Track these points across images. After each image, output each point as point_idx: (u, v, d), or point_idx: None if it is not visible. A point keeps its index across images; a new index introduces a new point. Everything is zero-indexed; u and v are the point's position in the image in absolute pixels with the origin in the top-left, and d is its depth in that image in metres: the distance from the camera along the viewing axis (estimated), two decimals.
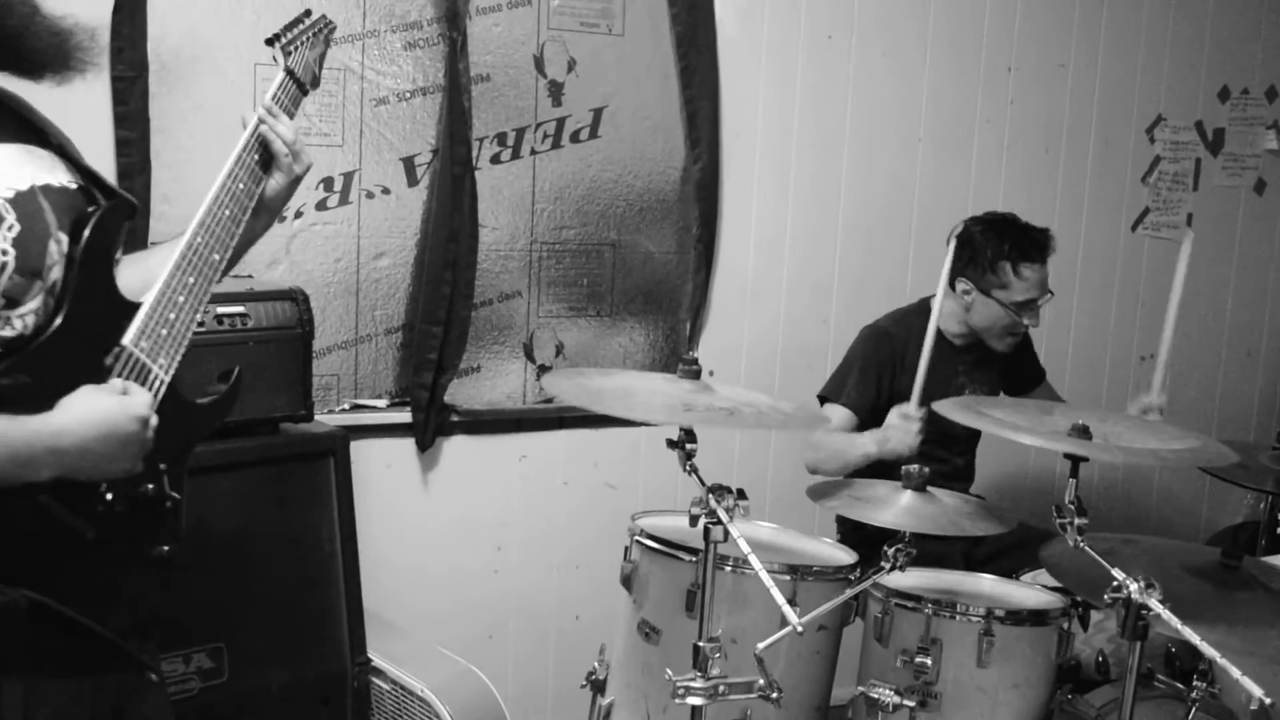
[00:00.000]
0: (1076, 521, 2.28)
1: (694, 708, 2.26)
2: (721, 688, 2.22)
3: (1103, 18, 4.43)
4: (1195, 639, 2.00)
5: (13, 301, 1.63)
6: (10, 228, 1.63)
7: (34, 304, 1.65)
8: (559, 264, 3.63)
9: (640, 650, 2.68)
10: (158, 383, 1.74)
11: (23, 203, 1.67)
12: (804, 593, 2.57)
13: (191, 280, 1.81)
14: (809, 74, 3.92)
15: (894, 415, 3.22)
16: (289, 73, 2.11)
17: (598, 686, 2.80)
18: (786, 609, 2.10)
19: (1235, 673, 1.92)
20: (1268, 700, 1.89)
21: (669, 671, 2.24)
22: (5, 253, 1.62)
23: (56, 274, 1.67)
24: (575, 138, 3.59)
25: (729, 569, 2.55)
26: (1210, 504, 4.92)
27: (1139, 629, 2.12)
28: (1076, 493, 2.30)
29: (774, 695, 2.20)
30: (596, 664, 2.81)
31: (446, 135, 3.37)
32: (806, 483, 2.85)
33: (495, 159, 3.50)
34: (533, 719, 3.69)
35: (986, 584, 2.91)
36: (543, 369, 3.65)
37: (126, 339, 1.70)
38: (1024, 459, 4.26)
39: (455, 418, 3.54)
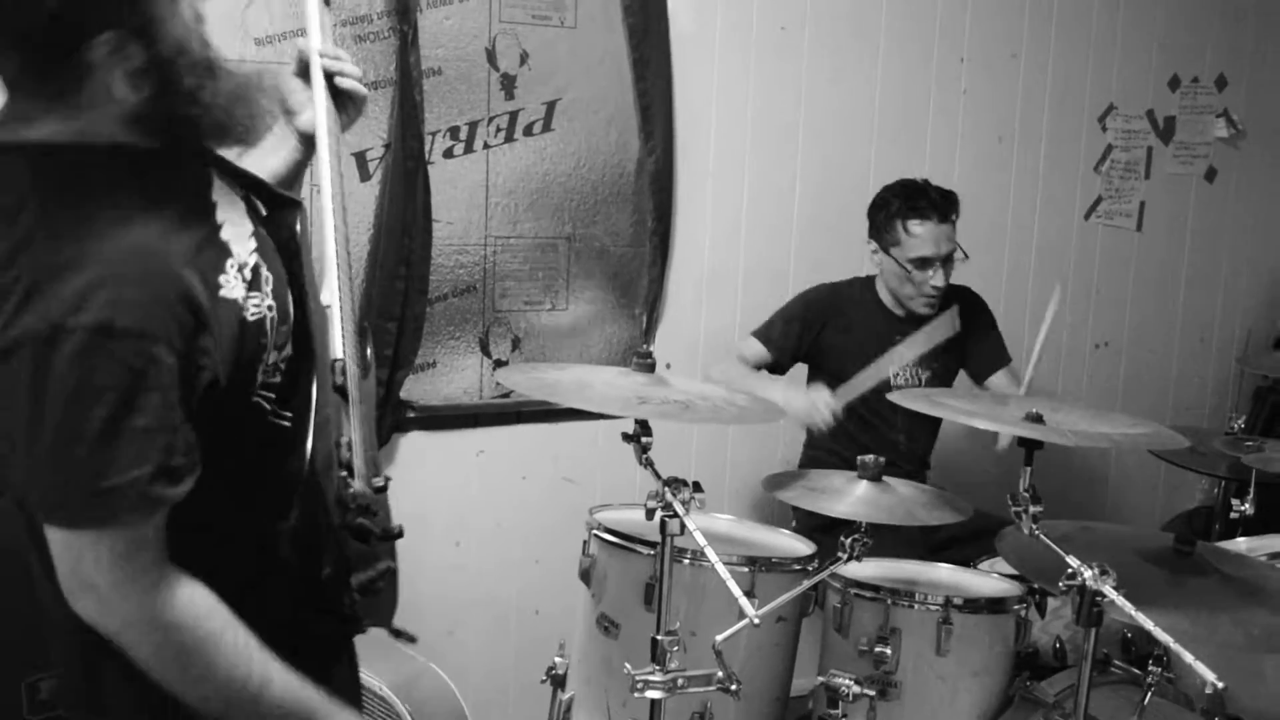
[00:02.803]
0: (1031, 509, 2.29)
1: (653, 701, 2.26)
2: (680, 680, 2.21)
3: (1054, 7, 4.45)
4: (1149, 625, 2.01)
5: (279, 348, 1.59)
6: (267, 280, 1.57)
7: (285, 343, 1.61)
8: (514, 258, 3.61)
9: (600, 644, 2.67)
10: (358, 378, 1.71)
11: (262, 247, 1.60)
12: (762, 584, 2.57)
13: (347, 254, 1.78)
14: (762, 65, 3.92)
15: (819, 395, 3.40)
16: None
17: (558, 681, 2.79)
18: (743, 601, 2.10)
19: (1189, 658, 1.94)
20: (1221, 685, 1.90)
21: (628, 665, 2.23)
22: (270, 307, 1.56)
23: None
24: (529, 131, 3.58)
25: (687, 562, 2.55)
26: (1165, 490, 4.97)
27: (1093, 615, 2.13)
28: (1031, 480, 2.31)
29: (733, 687, 2.20)
30: (556, 659, 2.80)
31: (398, 129, 3.35)
32: (764, 474, 2.85)
33: (448, 153, 3.47)
34: (493, 715, 3.68)
35: (944, 573, 2.93)
36: (499, 363, 3.63)
37: (337, 350, 1.67)
38: (979, 448, 4.29)
39: (411, 414, 3.52)
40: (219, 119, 1.53)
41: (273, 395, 1.58)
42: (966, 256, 3.62)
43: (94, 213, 1.43)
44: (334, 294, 1.71)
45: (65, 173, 1.46)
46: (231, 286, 1.51)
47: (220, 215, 1.56)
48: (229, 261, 1.52)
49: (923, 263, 3.53)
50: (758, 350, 3.65)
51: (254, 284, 1.54)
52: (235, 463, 1.55)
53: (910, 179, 3.63)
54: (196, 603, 1.48)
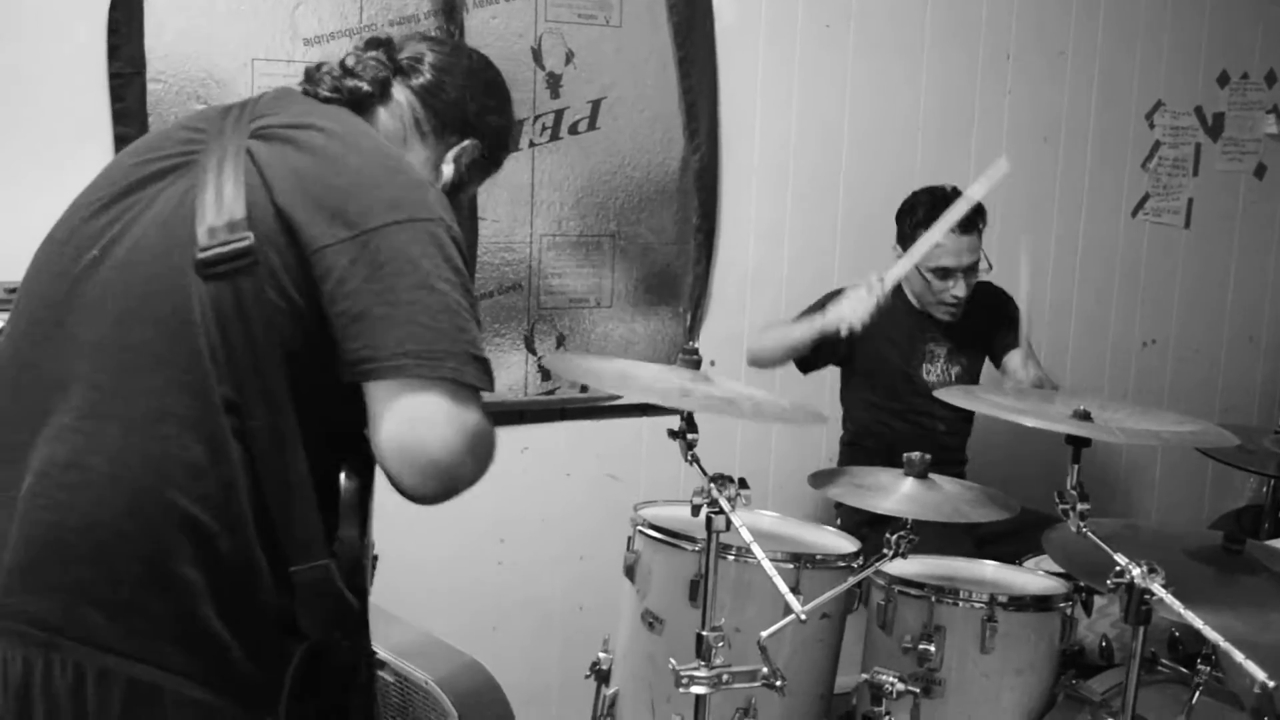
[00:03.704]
0: (1079, 507, 2.28)
1: (698, 697, 2.26)
2: (725, 676, 2.22)
3: (1100, 3, 4.43)
4: (1198, 623, 2.00)
5: None
6: None
7: None
8: (559, 255, 3.63)
9: (644, 640, 2.68)
10: None
11: None
12: (807, 581, 2.57)
13: None
14: (807, 63, 3.92)
15: (857, 289, 3.31)
16: None
17: (602, 677, 2.81)
18: (790, 597, 2.10)
19: (1238, 657, 1.92)
20: (1271, 684, 1.89)
21: (673, 661, 2.24)
22: None
23: None
24: (574, 129, 3.59)
25: (732, 558, 2.55)
26: (1213, 488, 4.93)
27: (1142, 614, 2.12)
28: (1079, 478, 2.30)
29: (778, 683, 2.20)
30: (601, 654, 2.81)
31: None
32: (808, 472, 2.85)
33: None
34: (537, 710, 3.69)
35: (989, 570, 2.92)
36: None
37: None
38: (1026, 445, 4.27)
39: None
40: None
41: None
42: (991, 267, 3.58)
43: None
44: None
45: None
46: None
47: None
48: None
49: (943, 273, 3.51)
50: None
51: None
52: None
53: (939, 186, 3.57)
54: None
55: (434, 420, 1.52)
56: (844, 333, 3.28)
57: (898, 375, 3.64)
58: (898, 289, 3.65)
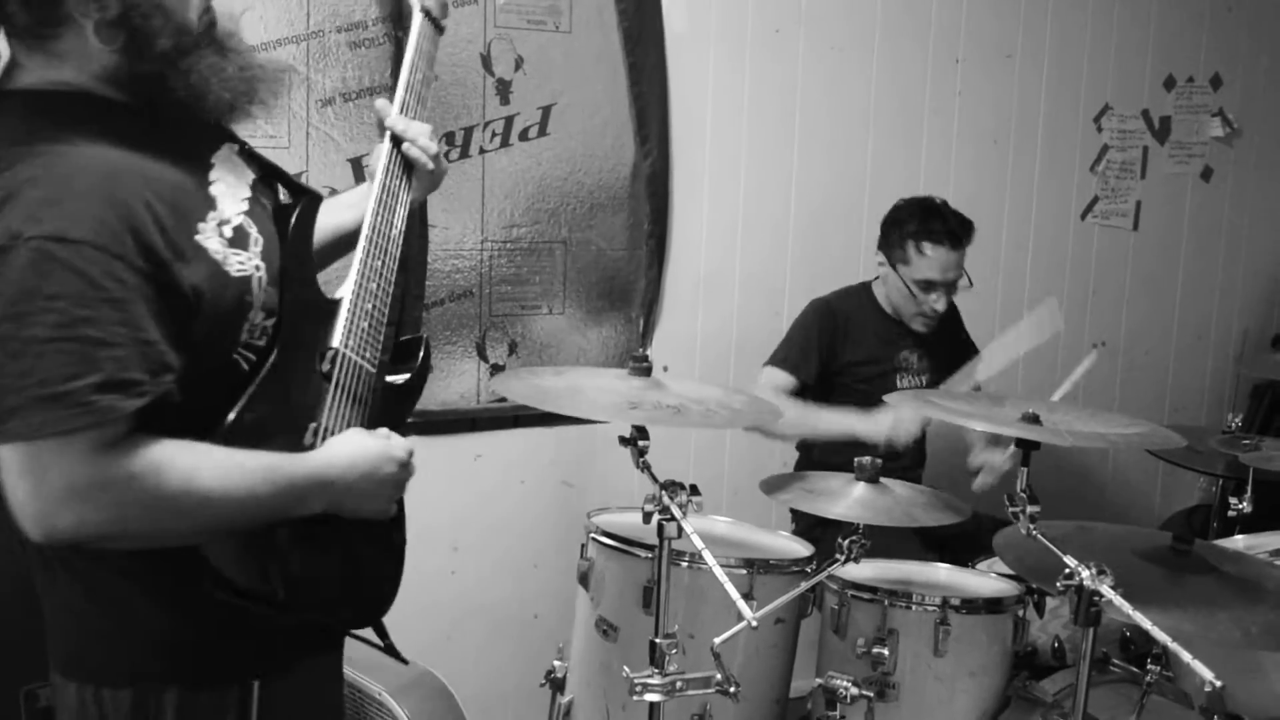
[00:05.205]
0: (1028, 509, 2.29)
1: (652, 704, 2.26)
2: (679, 683, 2.21)
3: (1049, 8, 4.46)
4: (1146, 624, 2.01)
5: (270, 313, 1.63)
6: (256, 241, 1.62)
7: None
8: (510, 262, 3.61)
9: (598, 648, 2.67)
10: (369, 378, 1.78)
11: (254, 211, 1.65)
12: (760, 586, 2.57)
13: (379, 264, 1.82)
14: (757, 67, 3.93)
15: (901, 411, 3.31)
16: (425, 12, 2.05)
17: (557, 685, 2.80)
18: (741, 604, 2.10)
19: (1186, 657, 1.93)
20: (1218, 684, 1.90)
21: (626, 669, 2.23)
22: (259, 267, 1.60)
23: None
24: (524, 136, 3.58)
25: (685, 565, 2.55)
26: (1164, 489, 4.97)
27: (1091, 615, 2.13)
28: (1028, 481, 2.31)
29: (732, 689, 2.20)
30: (555, 663, 2.80)
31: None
32: (762, 477, 2.85)
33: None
34: (492, 719, 3.68)
35: (942, 573, 2.93)
36: (496, 368, 3.63)
37: (335, 340, 1.71)
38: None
39: (409, 418, 3.51)
40: (205, 91, 1.61)
41: (253, 358, 1.62)
42: (971, 284, 3.63)
43: (64, 143, 1.48)
44: (348, 293, 1.76)
45: (44, 112, 1.51)
46: (208, 236, 1.55)
47: (214, 175, 1.63)
48: (211, 214, 1.57)
49: (928, 285, 3.54)
50: (784, 379, 3.56)
51: (237, 241, 1.59)
52: (201, 411, 1.56)
53: (929, 199, 3.62)
54: (165, 455, 1.47)
55: (12, 480, 1.40)
56: (883, 448, 3.33)
57: (878, 386, 3.62)
58: (873, 301, 3.68)
